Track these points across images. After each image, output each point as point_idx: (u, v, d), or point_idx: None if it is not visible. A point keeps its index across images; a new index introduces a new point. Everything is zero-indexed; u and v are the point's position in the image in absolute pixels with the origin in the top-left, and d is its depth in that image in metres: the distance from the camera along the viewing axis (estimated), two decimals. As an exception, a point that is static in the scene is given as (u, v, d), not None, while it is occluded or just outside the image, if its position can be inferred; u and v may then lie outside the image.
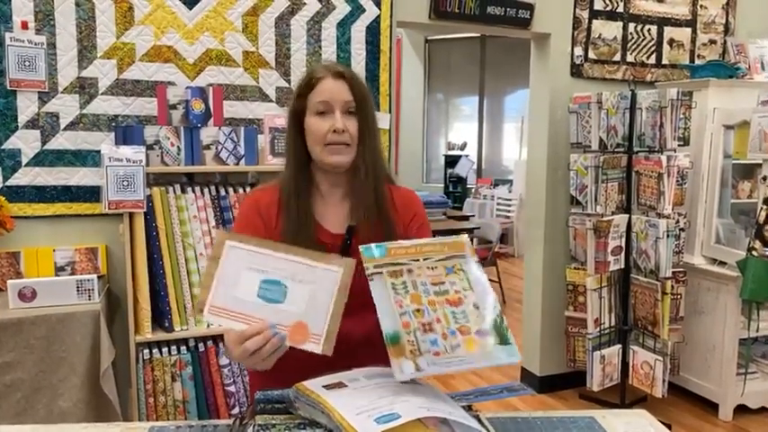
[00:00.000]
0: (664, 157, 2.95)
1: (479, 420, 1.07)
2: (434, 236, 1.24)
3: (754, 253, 2.90)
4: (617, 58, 3.53)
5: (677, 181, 3.06)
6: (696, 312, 3.33)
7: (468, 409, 1.10)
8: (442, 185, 8.67)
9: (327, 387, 1.05)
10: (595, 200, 3.14)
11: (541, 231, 3.51)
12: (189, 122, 2.52)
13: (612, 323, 3.18)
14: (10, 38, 2.42)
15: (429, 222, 1.47)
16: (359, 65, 2.93)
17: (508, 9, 3.21)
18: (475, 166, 8.64)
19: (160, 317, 2.44)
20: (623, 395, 3.20)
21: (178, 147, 2.48)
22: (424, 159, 9.03)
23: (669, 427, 2.67)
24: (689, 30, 3.68)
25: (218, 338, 2.48)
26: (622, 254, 3.10)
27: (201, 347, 2.47)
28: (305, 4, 2.83)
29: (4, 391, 2.16)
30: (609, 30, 3.49)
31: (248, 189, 2.59)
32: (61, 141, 2.53)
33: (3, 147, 2.47)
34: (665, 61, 3.64)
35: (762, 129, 2.94)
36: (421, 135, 8.92)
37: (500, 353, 1.03)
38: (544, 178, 3.49)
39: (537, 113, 3.57)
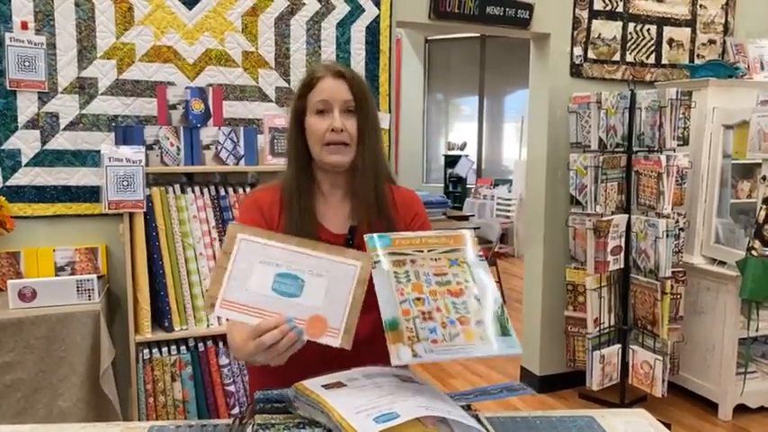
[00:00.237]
0: (663, 157, 2.95)
1: (478, 420, 1.08)
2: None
3: (754, 253, 2.90)
4: (616, 57, 3.53)
5: (677, 181, 3.06)
6: (696, 312, 3.33)
7: (468, 408, 1.10)
8: (442, 185, 8.67)
9: (326, 386, 1.05)
10: (595, 200, 3.14)
11: (541, 231, 3.52)
12: (188, 122, 2.52)
13: (612, 323, 3.19)
14: (10, 38, 2.42)
15: (430, 222, 1.47)
16: (358, 65, 2.93)
17: (507, 9, 3.21)
18: (475, 166, 8.65)
19: (160, 317, 2.44)
20: (623, 395, 3.20)
21: (178, 147, 2.48)
22: (423, 159, 9.03)
23: (669, 426, 2.68)
24: (688, 29, 3.68)
25: (217, 338, 2.49)
26: (622, 253, 3.10)
27: (201, 347, 2.47)
28: (304, 4, 2.83)
29: (4, 391, 2.17)
30: (608, 29, 3.49)
31: (248, 189, 2.59)
32: (61, 141, 2.54)
33: (2, 147, 2.47)
34: (664, 61, 3.64)
35: (761, 128, 2.94)
36: (421, 135, 8.92)
37: (500, 343, 1.03)
38: (544, 178, 3.49)
39: (536, 113, 3.57)
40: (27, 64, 2.45)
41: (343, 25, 2.91)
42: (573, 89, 3.39)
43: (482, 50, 8.50)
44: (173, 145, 2.47)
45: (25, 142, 2.49)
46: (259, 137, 2.65)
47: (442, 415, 0.97)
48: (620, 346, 3.17)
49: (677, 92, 2.97)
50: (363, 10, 2.93)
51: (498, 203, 7.95)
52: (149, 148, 2.43)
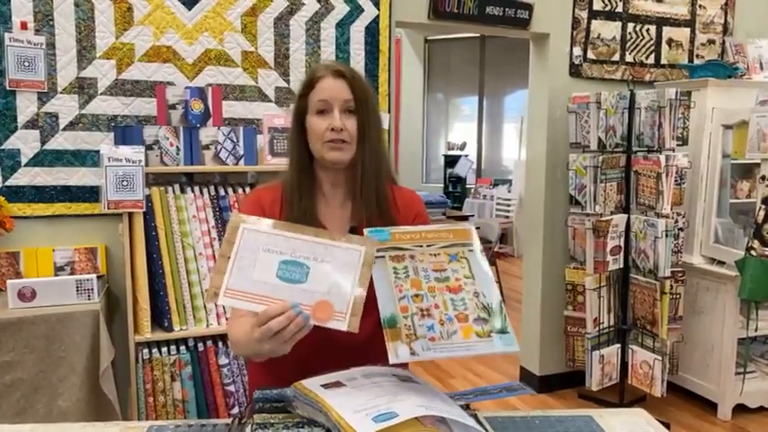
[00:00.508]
0: (662, 157, 2.95)
1: (477, 419, 1.08)
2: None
3: (753, 252, 2.90)
4: (616, 57, 3.53)
5: (676, 181, 3.06)
6: (695, 312, 3.34)
7: (466, 408, 1.11)
8: (442, 185, 8.67)
9: (325, 386, 1.05)
10: (594, 199, 3.14)
11: (541, 231, 3.52)
12: (188, 122, 2.52)
13: (611, 323, 3.19)
14: (9, 38, 2.42)
15: (431, 222, 1.47)
16: (358, 65, 2.93)
17: (507, 9, 3.21)
18: (474, 166, 8.65)
19: (159, 316, 2.44)
20: (622, 395, 3.20)
21: (177, 147, 2.48)
22: (423, 159, 9.03)
23: (668, 426, 2.68)
24: (688, 30, 3.68)
25: (217, 338, 2.49)
26: (621, 253, 3.10)
27: (201, 347, 2.47)
28: (304, 4, 2.83)
29: (3, 391, 2.17)
30: (608, 30, 3.49)
31: (247, 189, 2.59)
32: (60, 141, 2.54)
33: (2, 147, 2.47)
34: (663, 61, 3.65)
35: (760, 128, 2.95)
36: (421, 135, 8.92)
37: (497, 341, 1.02)
38: (543, 178, 3.49)
39: (536, 113, 3.57)
40: (27, 64, 2.45)
41: (343, 25, 2.91)
42: (572, 89, 3.40)
43: (482, 50, 8.50)
44: (172, 145, 2.47)
45: (25, 142, 2.49)
46: (258, 137, 2.65)
47: (441, 414, 0.97)
48: (619, 345, 3.17)
49: (676, 92, 2.97)
50: (363, 10, 2.93)
51: (498, 203, 7.95)
52: (149, 148, 2.43)
